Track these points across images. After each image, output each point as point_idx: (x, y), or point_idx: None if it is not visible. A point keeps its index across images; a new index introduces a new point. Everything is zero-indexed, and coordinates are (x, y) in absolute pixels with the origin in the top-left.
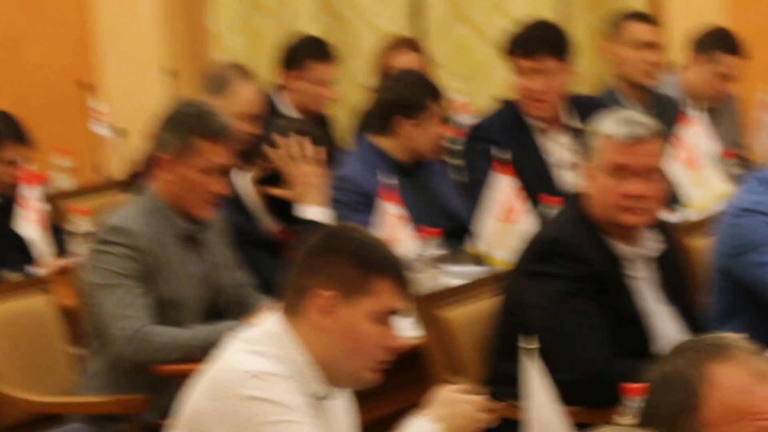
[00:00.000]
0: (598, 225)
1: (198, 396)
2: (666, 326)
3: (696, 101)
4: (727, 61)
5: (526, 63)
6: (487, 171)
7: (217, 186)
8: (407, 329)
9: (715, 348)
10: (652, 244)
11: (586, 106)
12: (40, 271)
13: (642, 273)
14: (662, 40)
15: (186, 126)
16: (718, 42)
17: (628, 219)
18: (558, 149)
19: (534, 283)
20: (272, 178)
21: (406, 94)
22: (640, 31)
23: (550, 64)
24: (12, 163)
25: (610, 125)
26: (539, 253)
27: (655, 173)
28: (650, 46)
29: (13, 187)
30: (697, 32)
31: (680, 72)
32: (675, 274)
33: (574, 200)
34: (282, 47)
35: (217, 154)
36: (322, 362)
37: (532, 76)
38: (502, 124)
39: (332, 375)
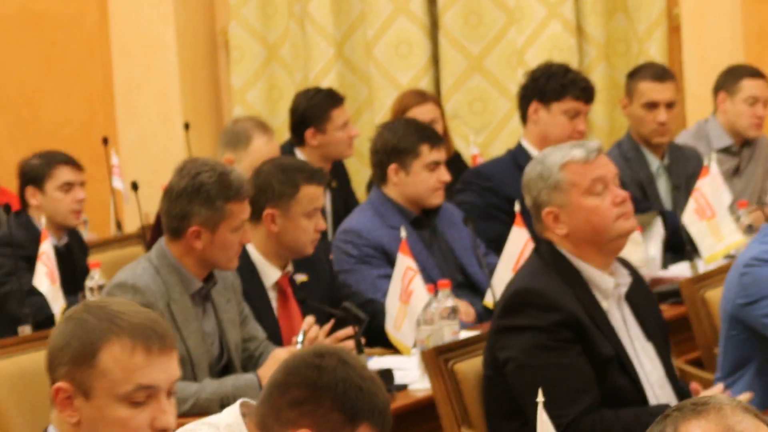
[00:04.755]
0: (573, 263)
1: None
2: (647, 363)
3: (737, 138)
4: (753, 84)
5: (582, 107)
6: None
7: (244, 238)
8: (418, 381)
9: (694, 407)
10: (624, 278)
11: None
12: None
13: (617, 311)
14: (673, 95)
15: (214, 194)
16: (738, 71)
17: (627, 224)
18: None
19: (506, 339)
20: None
21: (395, 140)
22: (648, 90)
23: (588, 109)
24: (69, 185)
25: (563, 154)
26: (508, 306)
27: (617, 180)
28: (659, 105)
29: (76, 214)
30: (718, 75)
31: (717, 116)
32: (646, 310)
33: (542, 247)
34: (296, 111)
35: (244, 211)
36: None
37: (583, 119)
38: (507, 168)
39: None
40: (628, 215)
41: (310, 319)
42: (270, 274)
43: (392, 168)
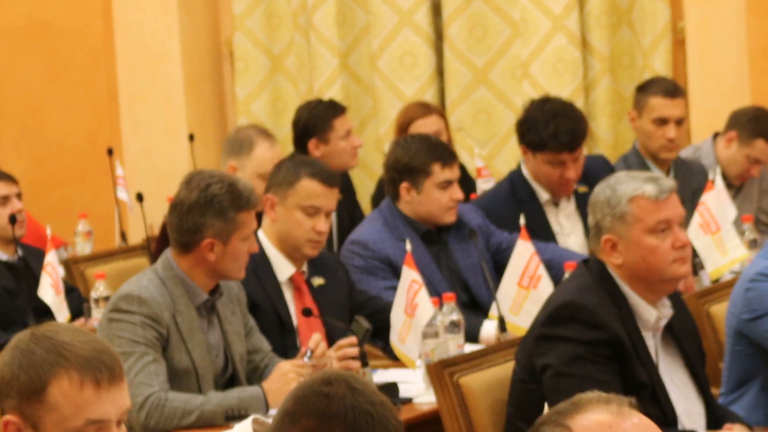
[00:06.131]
0: (621, 287)
1: None
2: (674, 393)
3: (724, 173)
4: (764, 149)
5: (566, 157)
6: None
7: (252, 247)
8: (423, 394)
9: (572, 404)
10: (666, 311)
11: (589, 169)
12: None
13: (651, 340)
14: (683, 112)
15: (226, 205)
16: (759, 130)
17: (681, 269)
18: (565, 218)
19: (547, 347)
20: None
21: (407, 159)
22: (659, 106)
23: (581, 151)
24: (5, 198)
25: (635, 187)
26: (553, 317)
27: (682, 223)
28: (669, 121)
29: (20, 224)
30: (740, 111)
31: (716, 140)
32: (687, 339)
33: (592, 265)
34: (298, 123)
35: (253, 220)
36: None
37: (570, 166)
38: (506, 201)
39: None
40: (684, 260)
41: (316, 336)
42: (284, 268)
43: (404, 186)
